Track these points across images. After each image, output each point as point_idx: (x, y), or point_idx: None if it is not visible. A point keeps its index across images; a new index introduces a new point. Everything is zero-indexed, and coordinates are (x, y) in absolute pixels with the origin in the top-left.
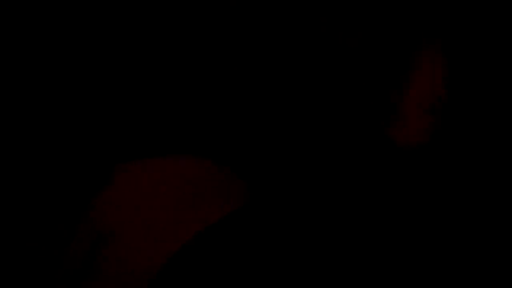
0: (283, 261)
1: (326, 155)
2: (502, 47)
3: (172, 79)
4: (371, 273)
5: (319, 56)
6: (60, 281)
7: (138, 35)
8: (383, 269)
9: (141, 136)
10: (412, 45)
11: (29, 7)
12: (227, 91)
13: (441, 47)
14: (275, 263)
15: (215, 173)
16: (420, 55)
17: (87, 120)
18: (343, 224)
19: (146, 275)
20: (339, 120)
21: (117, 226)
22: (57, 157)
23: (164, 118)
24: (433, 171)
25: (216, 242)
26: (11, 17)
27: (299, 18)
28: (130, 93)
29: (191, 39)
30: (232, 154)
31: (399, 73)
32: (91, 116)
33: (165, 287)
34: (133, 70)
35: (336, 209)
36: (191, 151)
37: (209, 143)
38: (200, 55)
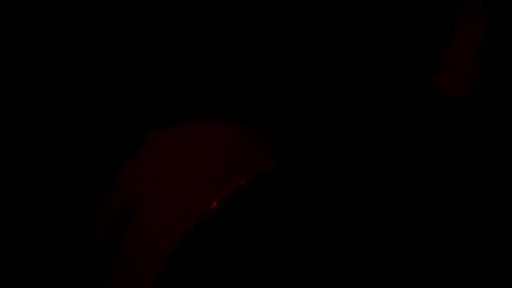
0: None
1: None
2: None
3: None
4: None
5: None
6: (86, 257)
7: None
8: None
9: (173, 102)
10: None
11: (29, 7)
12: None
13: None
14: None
15: (245, 138)
16: (468, 9)
17: (116, 86)
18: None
19: (173, 244)
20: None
21: (145, 196)
22: (86, 123)
23: (195, 82)
24: (478, 123)
25: (247, 205)
26: (11, 17)
27: None
28: (160, 58)
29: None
30: (263, 120)
31: (448, 24)
32: (121, 82)
33: (188, 258)
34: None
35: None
36: (222, 116)
37: (240, 108)
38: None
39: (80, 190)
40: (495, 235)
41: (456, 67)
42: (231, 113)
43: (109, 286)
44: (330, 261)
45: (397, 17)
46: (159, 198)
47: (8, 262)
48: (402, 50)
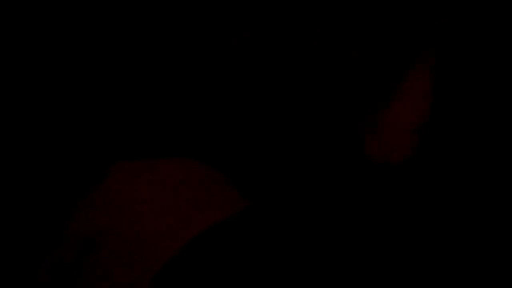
0: (282, 267)
1: (312, 161)
2: (492, 69)
3: (170, 81)
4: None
5: (309, 66)
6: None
7: (134, 37)
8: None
9: (135, 137)
10: (402, 60)
11: (29, 7)
12: (222, 95)
13: (431, 65)
14: (273, 269)
15: (210, 177)
16: (410, 72)
17: (82, 118)
18: (336, 229)
19: (137, 283)
20: (322, 130)
21: (106, 230)
22: (47, 154)
23: (160, 119)
24: (411, 189)
25: (212, 248)
26: (11, 17)
27: (294, 27)
28: (128, 93)
29: (186, 44)
30: (227, 158)
31: (385, 88)
32: (86, 114)
33: None
34: (131, 70)
35: (327, 214)
36: (184, 154)
37: (203, 146)
38: (197, 59)
39: (37, 219)
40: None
41: (390, 133)
42: (192, 150)
43: None
44: None
45: (339, 78)
46: (120, 233)
47: None
48: (339, 110)
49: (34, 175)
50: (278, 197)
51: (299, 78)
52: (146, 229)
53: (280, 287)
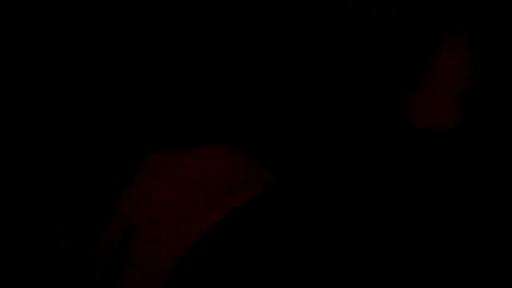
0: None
1: (347, 139)
2: None
3: (199, 74)
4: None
5: (344, 35)
6: (88, 276)
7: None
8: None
9: (170, 128)
10: (440, 26)
11: (29, 7)
12: (249, 83)
13: (470, 29)
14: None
15: (243, 163)
16: (449, 38)
17: (118, 110)
18: (362, 217)
19: (166, 270)
20: (361, 101)
21: (146, 218)
22: (86, 146)
23: (192, 109)
24: (457, 159)
25: (245, 225)
26: (11, 17)
27: None
28: (159, 86)
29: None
30: (259, 144)
31: (426, 56)
32: (123, 106)
33: (190, 272)
34: (157, 63)
35: (354, 199)
36: (216, 141)
37: (236, 134)
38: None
39: (79, 211)
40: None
41: (434, 100)
42: (228, 138)
43: None
44: (331, 282)
45: (376, 47)
46: (158, 220)
47: (9, 281)
48: (378, 81)
49: (69, 170)
50: (302, 179)
51: (336, 43)
52: (178, 216)
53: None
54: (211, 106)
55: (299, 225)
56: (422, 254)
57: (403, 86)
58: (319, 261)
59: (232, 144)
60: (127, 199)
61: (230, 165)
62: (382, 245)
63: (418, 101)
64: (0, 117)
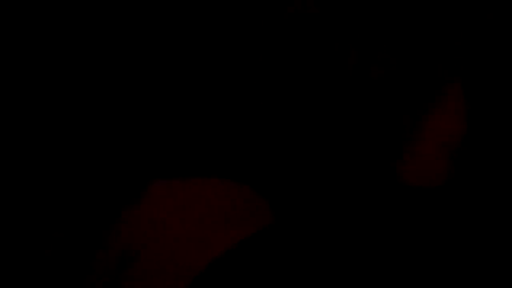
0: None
1: (336, 179)
2: None
3: (199, 101)
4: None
5: (342, 85)
6: None
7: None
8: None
9: (175, 156)
10: (435, 83)
11: (29, 7)
12: (248, 112)
13: (464, 88)
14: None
15: (244, 197)
16: (443, 94)
17: (124, 136)
18: (364, 243)
19: None
20: (351, 153)
21: (144, 244)
22: (90, 167)
23: (198, 139)
24: (442, 215)
25: (245, 260)
26: (11, 17)
27: (328, 48)
28: (168, 113)
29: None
30: (256, 176)
31: (419, 111)
32: (129, 132)
33: None
34: (162, 87)
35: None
36: (222, 174)
37: (234, 166)
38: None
39: (77, 234)
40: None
41: (424, 156)
42: (230, 172)
43: None
44: None
45: (371, 98)
46: (157, 248)
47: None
48: (370, 133)
49: (78, 187)
50: (301, 216)
51: (332, 95)
52: (179, 243)
53: None
54: (216, 139)
55: (297, 262)
56: None
57: (395, 145)
58: None
59: (234, 178)
60: (127, 223)
61: (232, 199)
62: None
63: (409, 159)
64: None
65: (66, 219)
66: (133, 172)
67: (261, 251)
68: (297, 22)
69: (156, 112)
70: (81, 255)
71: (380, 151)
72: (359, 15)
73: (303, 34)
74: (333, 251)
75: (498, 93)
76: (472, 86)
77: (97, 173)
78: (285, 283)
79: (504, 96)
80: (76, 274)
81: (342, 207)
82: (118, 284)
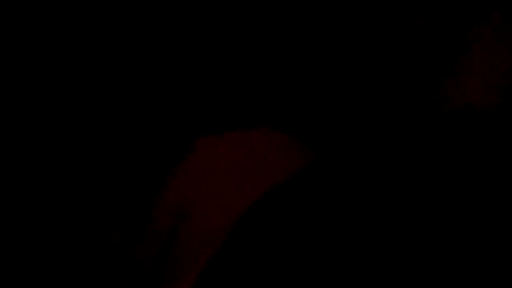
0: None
1: (382, 119)
2: None
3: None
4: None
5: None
6: (142, 256)
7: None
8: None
9: (217, 113)
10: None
11: (29, 7)
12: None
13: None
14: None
15: (283, 144)
16: (490, 14)
17: (170, 95)
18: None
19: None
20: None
21: (196, 199)
22: (138, 128)
23: (238, 95)
24: (497, 137)
25: (285, 200)
26: (11, 17)
27: None
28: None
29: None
30: (301, 126)
31: (465, 29)
32: (174, 90)
33: (237, 244)
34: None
35: (396, 174)
36: (265, 124)
37: (279, 117)
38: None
39: (126, 194)
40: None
41: (479, 77)
42: (271, 121)
43: (166, 283)
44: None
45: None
46: (208, 200)
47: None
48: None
49: (125, 147)
50: (342, 160)
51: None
52: (226, 196)
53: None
54: (256, 90)
55: (335, 202)
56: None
57: (440, 70)
58: (353, 239)
59: (275, 126)
60: (180, 177)
61: (278, 148)
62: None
63: (457, 84)
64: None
65: (115, 184)
66: (179, 130)
67: (301, 191)
68: None
69: (196, 71)
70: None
71: (425, 69)
72: None
73: None
74: (370, 196)
75: None
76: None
77: (142, 132)
78: (324, 224)
79: None
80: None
81: (385, 145)
82: (173, 241)
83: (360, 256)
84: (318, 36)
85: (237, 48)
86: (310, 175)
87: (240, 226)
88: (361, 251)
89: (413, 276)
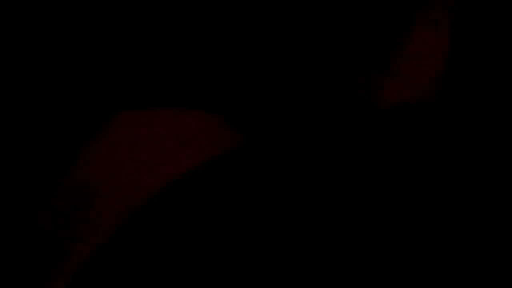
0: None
1: (317, 111)
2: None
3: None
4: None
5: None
6: (41, 233)
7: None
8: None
9: (140, 86)
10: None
11: (29, 7)
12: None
13: (449, 4)
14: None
15: (209, 125)
16: (428, 5)
17: (83, 68)
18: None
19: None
20: (331, 76)
21: (104, 179)
22: (48, 103)
23: (161, 70)
24: (427, 133)
25: (202, 183)
26: (11, 17)
27: None
28: (128, 44)
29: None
30: (228, 106)
31: (401, 23)
32: (87, 64)
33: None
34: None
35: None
36: (185, 103)
37: (204, 95)
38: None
39: (38, 168)
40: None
41: (408, 73)
42: (200, 101)
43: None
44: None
45: (349, 17)
46: (117, 180)
47: None
48: (348, 53)
49: (36, 122)
50: (274, 136)
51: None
52: (138, 177)
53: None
54: (185, 70)
55: (260, 186)
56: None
57: (376, 60)
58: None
59: (204, 107)
60: (91, 154)
61: (194, 127)
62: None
63: (391, 76)
64: None
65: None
66: (97, 103)
67: (220, 176)
68: None
69: (122, 36)
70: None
71: (360, 67)
72: None
73: None
74: (297, 180)
75: (485, 8)
76: (458, 4)
77: (58, 104)
78: (244, 207)
79: (491, 13)
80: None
81: (320, 131)
82: (72, 221)
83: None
84: (250, 24)
85: (165, 27)
86: (223, 163)
87: (131, 219)
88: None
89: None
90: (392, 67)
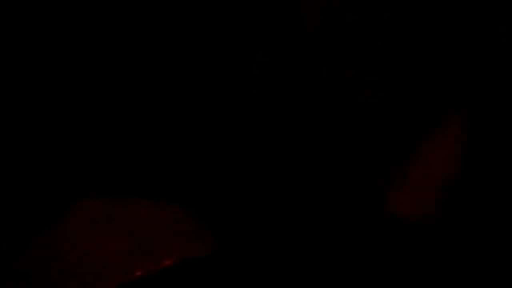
0: None
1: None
2: None
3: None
4: None
5: (336, 109)
6: None
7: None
8: None
9: (106, 173)
10: (433, 113)
11: (29, 7)
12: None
13: (464, 124)
14: None
15: (177, 218)
16: (441, 126)
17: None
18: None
19: None
20: (337, 181)
21: (52, 269)
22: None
23: (131, 159)
24: (434, 249)
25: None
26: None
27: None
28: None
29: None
30: (199, 200)
31: (414, 141)
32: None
33: None
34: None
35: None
36: (155, 194)
37: (176, 187)
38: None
39: None
40: None
41: (417, 189)
42: (162, 191)
43: None
44: None
45: (364, 124)
46: (75, 267)
47: None
48: (360, 163)
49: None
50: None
51: (319, 124)
52: (99, 267)
53: None
54: (153, 161)
55: None
56: None
57: (387, 173)
58: None
59: (171, 199)
60: (45, 243)
61: (162, 218)
62: None
63: (401, 190)
64: None
65: None
66: (60, 189)
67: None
68: (298, 32)
69: (89, 123)
70: None
71: (370, 179)
72: (359, 34)
73: (301, 47)
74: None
75: (499, 131)
76: (474, 120)
77: (21, 188)
78: None
79: (505, 135)
80: None
81: (323, 238)
82: None
83: None
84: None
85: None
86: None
87: None
88: None
89: None
90: (403, 181)
